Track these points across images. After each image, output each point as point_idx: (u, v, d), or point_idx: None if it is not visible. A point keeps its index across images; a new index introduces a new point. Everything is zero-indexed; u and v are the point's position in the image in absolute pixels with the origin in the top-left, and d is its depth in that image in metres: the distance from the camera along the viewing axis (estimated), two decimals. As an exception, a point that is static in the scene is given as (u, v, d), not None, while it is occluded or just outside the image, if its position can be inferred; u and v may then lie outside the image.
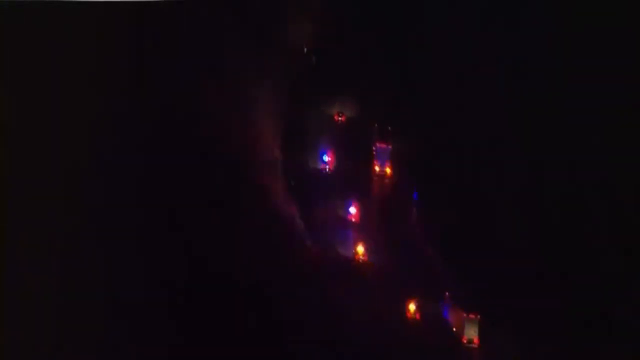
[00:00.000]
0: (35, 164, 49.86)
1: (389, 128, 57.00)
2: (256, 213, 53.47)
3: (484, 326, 51.55)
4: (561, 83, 54.62)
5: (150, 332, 48.26)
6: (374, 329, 51.52)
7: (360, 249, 55.60)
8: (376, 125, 57.26)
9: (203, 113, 53.48)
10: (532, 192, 54.05)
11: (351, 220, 56.81)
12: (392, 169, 57.10)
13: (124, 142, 51.85)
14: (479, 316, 51.64)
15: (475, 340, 51.65)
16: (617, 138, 53.41)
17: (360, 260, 55.35)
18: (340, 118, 58.78)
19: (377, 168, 57.16)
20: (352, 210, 56.89)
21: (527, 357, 49.65)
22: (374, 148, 57.39)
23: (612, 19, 54.00)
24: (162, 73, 53.28)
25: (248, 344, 49.14)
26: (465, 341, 51.84)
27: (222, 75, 54.63)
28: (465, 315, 51.78)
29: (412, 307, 53.41)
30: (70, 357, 47.35)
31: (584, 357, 49.58)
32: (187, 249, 50.88)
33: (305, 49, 57.86)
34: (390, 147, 57.04)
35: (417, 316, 53.39)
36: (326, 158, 58.19)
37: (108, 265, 49.49)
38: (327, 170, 58.02)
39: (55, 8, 51.32)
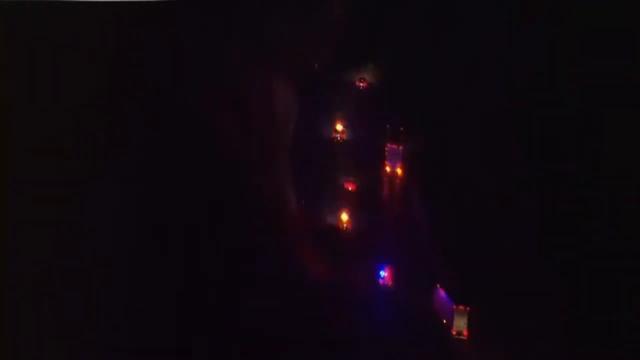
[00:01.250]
0: (35, 164, 49.94)
1: (401, 129, 56.86)
2: (256, 213, 53.49)
3: (480, 324, 51.51)
4: (561, 83, 54.62)
5: (150, 332, 48.34)
6: (361, 319, 51.49)
7: (344, 217, 55.55)
8: (388, 126, 57.05)
9: (203, 113, 53.52)
10: (532, 192, 54.04)
11: (348, 189, 56.70)
12: (404, 169, 56.97)
13: (124, 142, 51.92)
14: (468, 308, 51.57)
15: (465, 332, 51.55)
16: (617, 138, 53.39)
17: (344, 228, 55.19)
18: (362, 84, 58.25)
19: (388, 168, 57.03)
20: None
21: (526, 357, 49.67)
22: (385, 149, 57.16)
23: (612, 19, 53.98)
24: (162, 73, 53.34)
25: (248, 343, 49.22)
26: (454, 333, 51.73)
27: (222, 75, 54.66)
28: (454, 307, 51.66)
29: (382, 272, 53.47)
30: (70, 357, 47.44)
31: (584, 357, 49.58)
32: (187, 250, 50.96)
33: (316, 65, 57.53)
34: (401, 148, 56.90)
35: (388, 281, 53.23)
36: (339, 127, 57.71)
37: (108, 265, 49.58)
38: (339, 139, 57.57)
39: (55, 8, 51.43)
